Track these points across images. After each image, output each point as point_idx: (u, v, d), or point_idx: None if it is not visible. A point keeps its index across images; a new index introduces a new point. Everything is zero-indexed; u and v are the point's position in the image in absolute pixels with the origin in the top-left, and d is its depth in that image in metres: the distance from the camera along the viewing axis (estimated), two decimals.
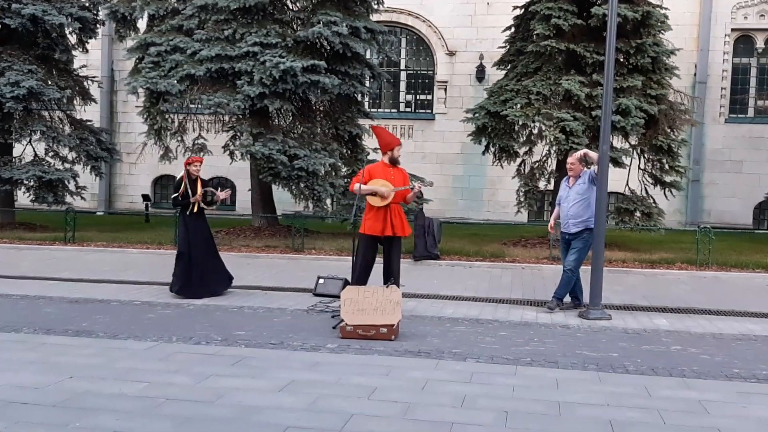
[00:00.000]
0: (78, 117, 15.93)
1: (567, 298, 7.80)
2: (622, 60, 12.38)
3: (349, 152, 14.11)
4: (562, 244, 8.00)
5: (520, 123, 12.70)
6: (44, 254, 11.66)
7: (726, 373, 5.27)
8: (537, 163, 13.27)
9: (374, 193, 7.02)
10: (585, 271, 7.74)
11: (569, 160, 7.76)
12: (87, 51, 16.48)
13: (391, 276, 7.01)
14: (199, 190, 7.93)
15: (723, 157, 17.97)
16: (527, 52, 12.97)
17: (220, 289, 8.05)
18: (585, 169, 7.71)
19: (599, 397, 4.65)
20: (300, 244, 12.17)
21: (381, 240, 7.13)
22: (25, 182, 14.39)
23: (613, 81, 7.68)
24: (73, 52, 15.72)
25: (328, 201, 13.19)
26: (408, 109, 19.35)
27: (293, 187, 13.16)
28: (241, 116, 13.46)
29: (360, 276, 7.07)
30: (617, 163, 12.36)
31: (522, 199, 13.07)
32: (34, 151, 15.00)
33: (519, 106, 12.56)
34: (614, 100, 11.50)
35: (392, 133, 7.71)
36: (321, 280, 8.38)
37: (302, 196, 13.24)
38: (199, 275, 7.89)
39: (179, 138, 13.98)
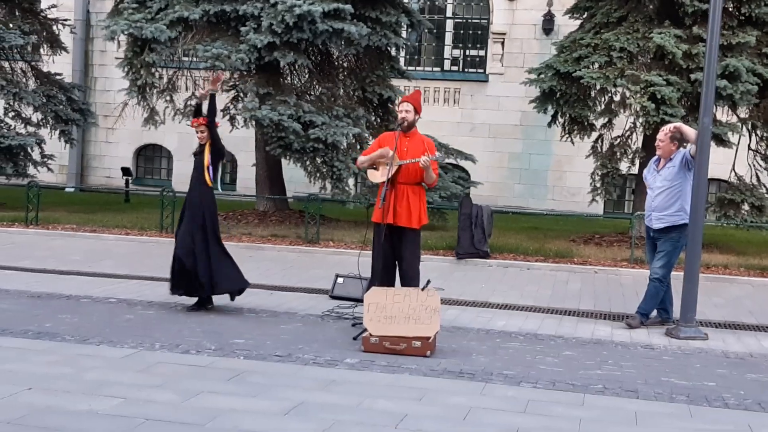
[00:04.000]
0: (45, 69, 16.16)
1: (653, 312, 7.72)
2: (731, 9, 12.19)
3: (378, 120, 14.10)
4: (647, 242, 7.93)
5: (598, 87, 12.59)
6: (0, 238, 11.86)
7: None
8: (618, 139, 13.16)
9: (373, 165, 6.96)
10: (676, 278, 7.65)
11: (658, 136, 7.69)
12: None
13: (405, 282, 6.91)
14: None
15: None
16: None
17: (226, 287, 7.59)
18: (679, 149, 7.60)
19: None
20: (315, 234, 12.23)
21: (391, 230, 6.93)
22: None
23: (719, 35, 7.56)
24: None
25: (351, 181, 13.23)
26: (455, 68, 19.25)
27: (308, 163, 13.20)
28: (245, 72, 13.51)
29: (377, 274, 6.95)
30: (721, 141, 12.22)
31: (598, 185, 12.96)
32: None
33: (597, 65, 12.43)
34: (720, 60, 11.29)
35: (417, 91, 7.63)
36: (340, 280, 8.42)
37: (318, 175, 13.27)
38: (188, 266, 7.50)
39: (168, 97, 14.09)
